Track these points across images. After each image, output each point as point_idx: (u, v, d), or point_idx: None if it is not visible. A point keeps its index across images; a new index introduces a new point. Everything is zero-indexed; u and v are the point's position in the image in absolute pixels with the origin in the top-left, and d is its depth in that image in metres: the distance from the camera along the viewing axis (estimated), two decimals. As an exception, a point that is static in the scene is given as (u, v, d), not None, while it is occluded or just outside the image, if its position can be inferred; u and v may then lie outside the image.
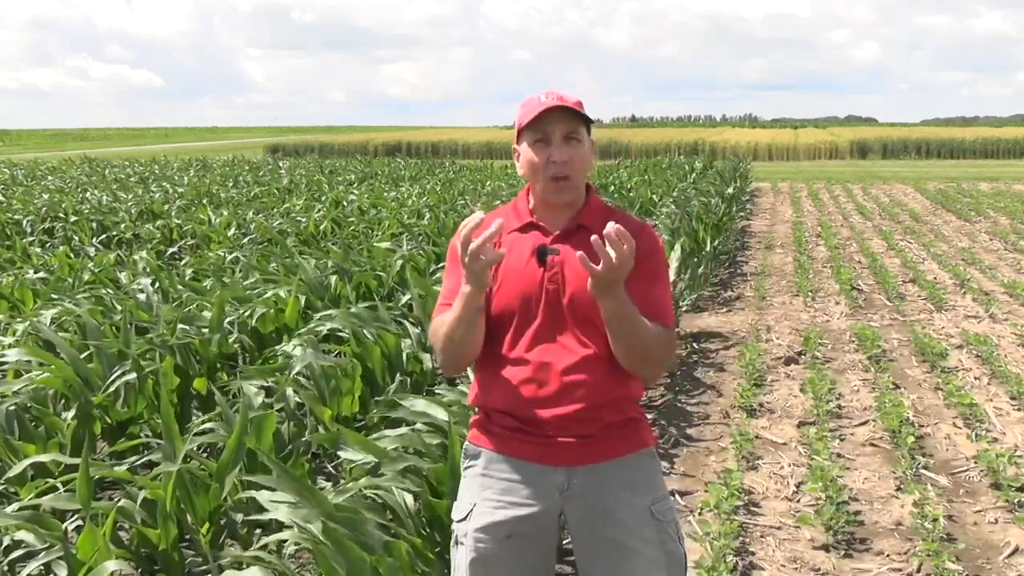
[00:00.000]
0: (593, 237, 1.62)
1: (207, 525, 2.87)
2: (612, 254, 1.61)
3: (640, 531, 1.78)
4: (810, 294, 7.98)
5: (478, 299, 1.73)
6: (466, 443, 1.92)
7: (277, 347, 4.24)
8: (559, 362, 1.78)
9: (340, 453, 2.78)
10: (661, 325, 1.78)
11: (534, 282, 1.80)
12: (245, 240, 8.82)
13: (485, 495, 1.83)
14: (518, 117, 1.84)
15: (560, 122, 1.80)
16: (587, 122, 1.83)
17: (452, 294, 1.83)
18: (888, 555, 3.31)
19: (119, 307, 4.90)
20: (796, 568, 3.23)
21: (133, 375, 3.70)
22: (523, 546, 1.81)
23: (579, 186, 1.84)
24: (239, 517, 2.88)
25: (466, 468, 1.90)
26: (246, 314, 4.73)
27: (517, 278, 1.81)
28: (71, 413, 3.54)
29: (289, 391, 3.48)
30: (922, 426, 4.64)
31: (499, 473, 1.83)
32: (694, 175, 16.67)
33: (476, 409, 1.94)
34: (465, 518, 1.84)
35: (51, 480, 2.98)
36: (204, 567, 2.77)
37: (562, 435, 1.78)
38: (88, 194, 14.04)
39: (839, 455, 4.25)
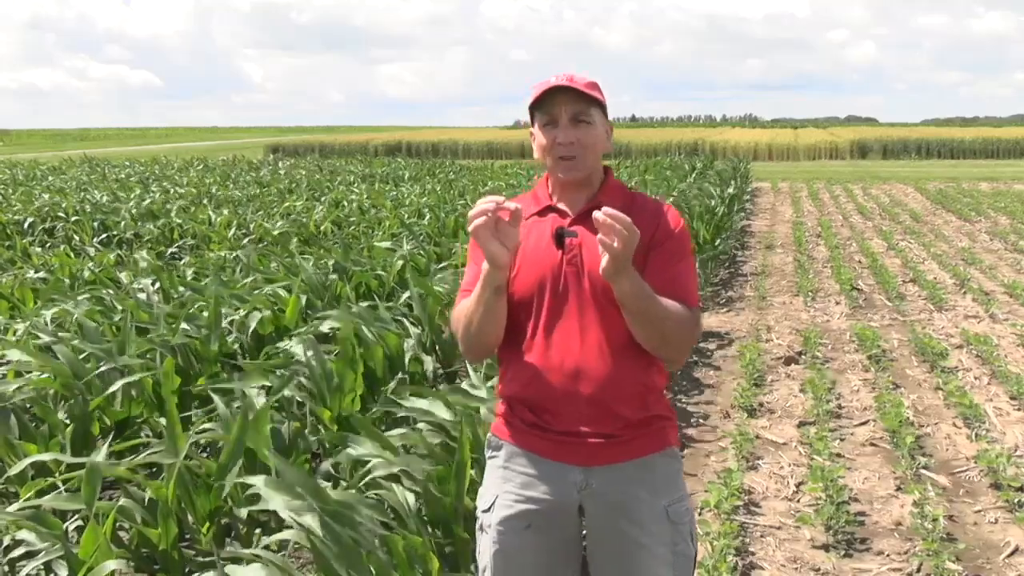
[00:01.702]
0: (595, 212, 1.60)
1: (207, 524, 2.87)
2: (612, 238, 1.59)
3: (653, 530, 1.78)
4: (810, 294, 7.98)
5: (496, 279, 1.70)
6: (489, 434, 1.93)
7: (277, 345, 4.24)
8: (578, 348, 1.76)
9: (349, 451, 2.77)
10: (683, 305, 1.75)
11: (553, 265, 1.79)
12: (245, 240, 8.83)
13: (506, 488, 1.84)
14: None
15: (567, 103, 1.78)
16: (599, 103, 1.81)
17: (474, 281, 1.81)
18: (888, 555, 3.32)
19: (119, 307, 4.91)
20: (796, 568, 3.23)
21: (133, 375, 3.70)
22: (544, 537, 1.81)
23: (588, 166, 1.82)
24: (243, 513, 2.88)
25: (489, 458, 1.91)
26: (245, 314, 4.73)
27: (535, 262, 1.80)
28: (70, 413, 3.54)
29: (287, 392, 3.48)
30: (922, 426, 4.64)
31: (519, 467, 1.83)
32: (694, 175, 16.67)
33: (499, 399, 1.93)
34: (488, 509, 1.86)
35: (51, 479, 2.98)
36: (205, 562, 2.77)
37: (579, 433, 1.76)
38: (88, 194, 14.04)
39: (839, 455, 4.26)
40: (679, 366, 1.93)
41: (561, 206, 1.85)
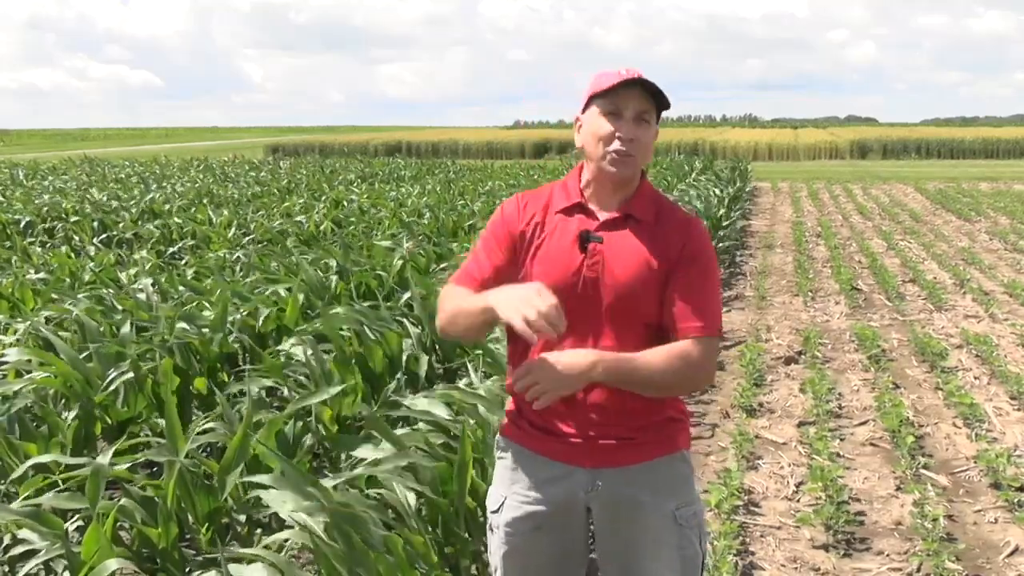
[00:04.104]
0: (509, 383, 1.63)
1: (208, 525, 2.87)
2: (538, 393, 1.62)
3: (659, 533, 1.78)
4: (810, 294, 7.98)
5: (498, 323, 1.69)
6: (498, 435, 1.92)
7: (278, 347, 4.25)
8: None
9: (352, 452, 2.78)
10: (693, 336, 1.71)
11: (572, 268, 1.75)
12: (245, 239, 8.83)
13: (514, 489, 1.83)
14: (591, 85, 1.77)
15: (635, 99, 1.73)
16: (660, 107, 1.76)
17: (479, 268, 1.82)
18: (888, 555, 3.32)
19: (119, 307, 4.91)
20: (796, 568, 3.23)
21: (131, 374, 3.70)
22: (552, 537, 1.82)
23: (638, 167, 1.78)
24: (242, 518, 2.88)
25: (498, 458, 1.91)
26: (246, 314, 4.73)
27: (555, 262, 1.76)
28: (72, 413, 3.55)
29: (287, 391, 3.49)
30: (922, 426, 4.64)
31: (526, 468, 1.83)
32: (694, 175, 16.67)
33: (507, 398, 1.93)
34: (497, 510, 1.86)
35: (50, 477, 2.98)
36: (205, 562, 2.77)
37: (586, 436, 1.76)
38: (88, 193, 14.04)
39: (839, 455, 4.26)
40: (700, 390, 1.95)
41: (591, 206, 1.80)
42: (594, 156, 1.77)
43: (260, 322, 4.65)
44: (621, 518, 1.78)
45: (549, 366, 1.62)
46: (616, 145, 1.73)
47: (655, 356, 1.69)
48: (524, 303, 1.55)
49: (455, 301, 1.79)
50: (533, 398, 1.63)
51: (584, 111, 1.80)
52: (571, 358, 1.64)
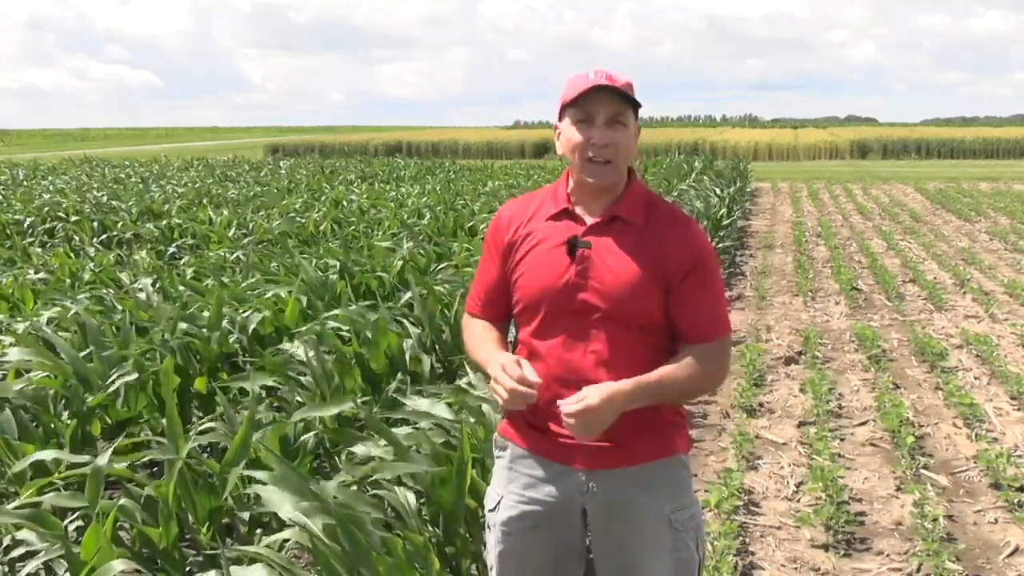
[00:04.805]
0: (563, 409, 1.66)
1: (208, 524, 2.87)
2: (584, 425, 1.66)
3: (654, 537, 1.78)
4: (810, 294, 7.98)
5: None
6: (496, 434, 1.93)
7: (278, 347, 4.25)
8: (580, 360, 1.75)
9: (351, 448, 2.78)
10: (709, 341, 1.77)
11: (560, 274, 1.76)
12: (245, 240, 8.83)
13: (511, 488, 1.84)
14: (562, 93, 1.77)
15: (606, 103, 1.72)
16: (635, 105, 1.76)
17: (483, 285, 1.89)
18: (888, 555, 3.32)
19: (119, 307, 4.91)
20: (796, 568, 3.23)
21: (134, 375, 3.70)
22: (548, 537, 1.82)
23: (619, 171, 1.77)
24: (246, 516, 2.89)
25: (497, 458, 1.92)
26: (246, 314, 4.73)
27: (544, 268, 1.77)
28: (70, 412, 3.54)
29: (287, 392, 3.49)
30: (922, 426, 4.64)
31: (523, 468, 1.83)
32: (694, 175, 16.67)
33: None
34: (494, 508, 1.87)
35: (50, 478, 2.98)
36: (206, 561, 2.77)
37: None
38: (88, 193, 14.04)
39: (839, 455, 4.26)
40: (717, 389, 2.01)
41: (578, 211, 1.80)
42: (573, 165, 1.78)
43: (254, 324, 4.64)
44: (615, 519, 1.78)
45: (590, 421, 1.67)
46: (591, 153, 1.73)
47: (679, 369, 1.74)
48: (497, 386, 1.69)
49: (471, 342, 1.91)
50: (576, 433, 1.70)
51: (560, 119, 1.80)
52: (595, 405, 1.65)
